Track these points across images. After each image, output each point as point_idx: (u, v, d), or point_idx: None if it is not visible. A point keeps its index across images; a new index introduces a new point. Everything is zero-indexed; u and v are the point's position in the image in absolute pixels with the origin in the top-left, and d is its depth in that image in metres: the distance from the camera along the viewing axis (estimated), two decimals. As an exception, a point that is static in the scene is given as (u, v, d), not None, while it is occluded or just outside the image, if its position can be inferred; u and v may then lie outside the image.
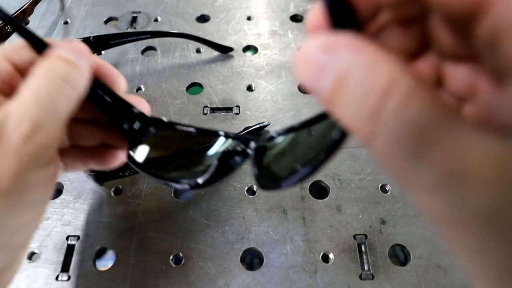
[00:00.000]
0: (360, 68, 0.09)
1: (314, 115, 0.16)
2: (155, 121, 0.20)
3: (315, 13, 0.11)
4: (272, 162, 0.17)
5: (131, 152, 0.18)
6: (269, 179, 0.16)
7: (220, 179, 0.18)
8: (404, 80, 0.09)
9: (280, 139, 0.17)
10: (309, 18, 0.12)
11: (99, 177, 0.29)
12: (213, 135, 0.20)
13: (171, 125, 0.20)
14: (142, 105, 0.20)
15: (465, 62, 0.11)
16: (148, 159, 0.19)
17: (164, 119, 0.20)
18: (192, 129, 0.20)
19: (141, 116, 0.19)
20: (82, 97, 0.17)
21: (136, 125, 0.19)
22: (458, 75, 0.12)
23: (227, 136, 0.19)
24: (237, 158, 0.18)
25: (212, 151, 0.19)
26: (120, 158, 0.21)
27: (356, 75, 0.09)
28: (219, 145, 0.19)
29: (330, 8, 0.10)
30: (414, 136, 0.09)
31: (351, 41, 0.10)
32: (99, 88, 0.18)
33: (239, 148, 0.18)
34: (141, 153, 0.19)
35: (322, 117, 0.16)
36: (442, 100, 0.09)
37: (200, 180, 0.18)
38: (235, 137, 0.19)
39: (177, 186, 0.18)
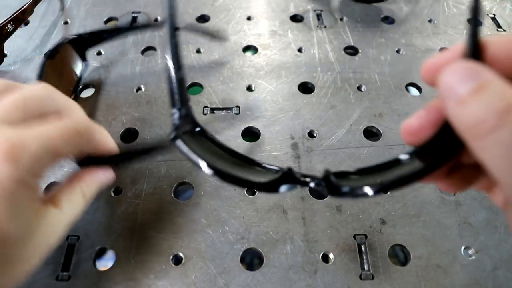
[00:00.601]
0: (499, 83, 0.13)
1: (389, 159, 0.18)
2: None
3: (457, 48, 0.15)
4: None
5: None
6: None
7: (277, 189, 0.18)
8: None
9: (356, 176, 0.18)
10: (452, 50, 0.15)
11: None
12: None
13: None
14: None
15: None
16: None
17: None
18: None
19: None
20: None
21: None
22: None
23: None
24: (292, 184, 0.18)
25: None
26: None
27: (495, 86, 0.13)
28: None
29: (474, 46, 0.15)
30: None
31: (489, 68, 0.14)
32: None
33: (306, 180, 0.18)
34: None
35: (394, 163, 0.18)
36: None
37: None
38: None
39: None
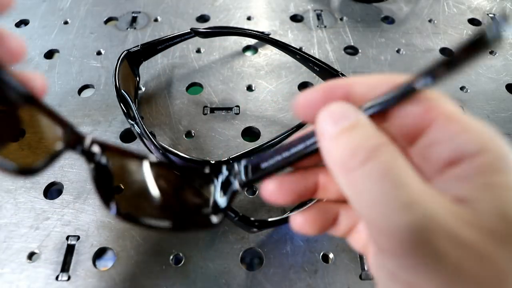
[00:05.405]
0: (369, 123, 0.14)
1: None
2: None
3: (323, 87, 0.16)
4: None
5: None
6: None
7: None
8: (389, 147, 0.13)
9: None
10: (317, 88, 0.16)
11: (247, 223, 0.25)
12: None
13: None
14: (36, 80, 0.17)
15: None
16: None
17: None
18: None
19: None
20: None
21: None
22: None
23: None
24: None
25: None
26: None
27: (366, 125, 0.14)
28: None
29: None
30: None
31: (359, 110, 0.14)
32: None
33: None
34: None
35: None
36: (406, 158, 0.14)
37: None
38: None
39: None
